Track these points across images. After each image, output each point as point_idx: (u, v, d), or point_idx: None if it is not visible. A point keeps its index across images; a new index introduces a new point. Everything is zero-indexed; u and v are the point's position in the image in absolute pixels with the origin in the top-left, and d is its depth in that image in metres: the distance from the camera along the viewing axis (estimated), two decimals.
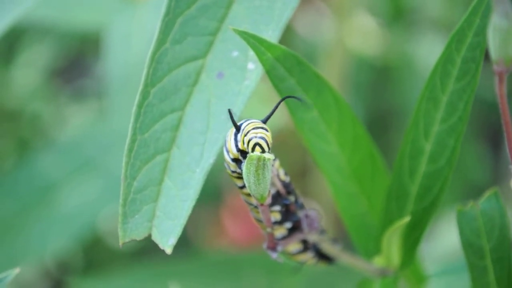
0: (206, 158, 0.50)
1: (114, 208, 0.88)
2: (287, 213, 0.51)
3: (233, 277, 0.86)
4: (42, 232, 0.87)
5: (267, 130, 0.45)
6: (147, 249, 1.02)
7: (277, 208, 0.51)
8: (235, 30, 0.49)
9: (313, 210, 0.53)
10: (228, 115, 0.46)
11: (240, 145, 0.46)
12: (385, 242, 0.53)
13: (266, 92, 0.93)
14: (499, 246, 0.50)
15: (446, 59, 0.50)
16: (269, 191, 0.47)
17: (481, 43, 0.49)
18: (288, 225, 0.52)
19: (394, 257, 0.54)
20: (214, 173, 0.97)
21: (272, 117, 0.47)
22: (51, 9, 0.92)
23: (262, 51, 0.49)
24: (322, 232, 0.54)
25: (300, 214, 0.52)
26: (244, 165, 0.45)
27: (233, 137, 0.46)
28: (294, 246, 0.54)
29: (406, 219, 0.51)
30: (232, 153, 0.47)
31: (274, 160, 0.48)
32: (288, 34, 1.06)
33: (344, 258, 0.55)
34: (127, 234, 0.49)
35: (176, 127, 0.50)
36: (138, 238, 0.49)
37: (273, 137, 0.46)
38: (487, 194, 0.51)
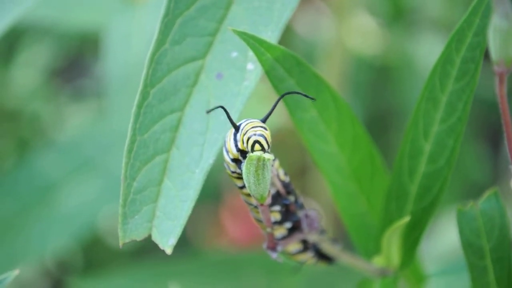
0: (205, 159, 0.50)
1: (113, 208, 0.88)
2: (287, 213, 0.52)
3: (233, 277, 0.86)
4: (42, 232, 0.87)
5: (266, 129, 0.45)
6: (146, 249, 1.02)
7: (277, 208, 0.51)
8: (235, 31, 0.49)
9: (313, 210, 0.53)
10: (226, 115, 0.46)
11: (239, 145, 0.46)
12: (384, 242, 0.53)
13: (266, 92, 0.93)
14: (499, 246, 0.50)
15: (445, 59, 0.50)
16: (269, 191, 0.47)
17: (481, 43, 0.49)
18: (288, 225, 0.52)
19: (394, 257, 0.54)
20: (213, 173, 0.97)
21: (271, 117, 0.47)
22: (51, 9, 0.92)
23: (261, 52, 0.49)
24: (322, 232, 0.54)
25: (300, 214, 0.52)
26: (244, 165, 0.45)
27: (232, 137, 0.47)
28: (294, 246, 0.54)
29: (406, 219, 0.51)
30: (232, 153, 0.47)
31: (273, 160, 0.48)
32: (287, 34, 1.06)
33: (344, 258, 0.55)
34: (127, 235, 0.49)
35: (176, 127, 0.50)
36: (138, 239, 0.49)
37: (272, 137, 0.46)
38: (487, 194, 0.51)
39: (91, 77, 1.19)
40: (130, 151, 0.50)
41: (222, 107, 0.46)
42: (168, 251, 0.49)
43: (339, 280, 0.84)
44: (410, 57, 1.07)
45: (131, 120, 0.50)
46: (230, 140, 0.47)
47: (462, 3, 1.08)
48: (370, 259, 0.55)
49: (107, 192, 0.89)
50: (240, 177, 0.48)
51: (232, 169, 0.48)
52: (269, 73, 0.50)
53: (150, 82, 0.50)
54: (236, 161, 0.47)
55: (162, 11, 0.50)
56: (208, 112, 0.49)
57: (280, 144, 1.03)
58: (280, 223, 0.51)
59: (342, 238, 0.79)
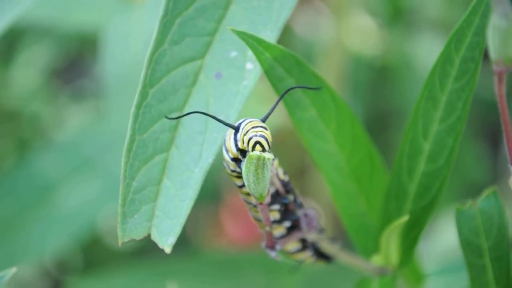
0: (204, 158, 0.50)
1: (113, 208, 0.88)
2: (286, 212, 0.52)
3: (232, 276, 0.86)
4: (42, 232, 0.87)
5: (266, 129, 0.45)
6: (146, 248, 1.02)
7: (276, 207, 0.51)
8: (234, 31, 0.49)
9: (312, 209, 0.53)
10: (226, 117, 0.46)
11: (239, 145, 0.46)
12: (383, 241, 0.53)
13: (265, 92, 0.93)
14: (497, 244, 0.50)
15: (445, 59, 0.50)
16: (268, 190, 0.47)
17: (480, 43, 0.49)
18: (287, 224, 0.52)
19: (392, 256, 0.54)
20: (213, 173, 0.97)
21: (270, 117, 0.47)
22: (50, 9, 0.93)
23: (260, 51, 0.49)
24: (320, 231, 0.54)
25: (299, 213, 0.52)
26: (243, 164, 0.45)
27: (232, 136, 0.47)
28: (293, 245, 0.54)
29: (405, 218, 0.51)
30: (232, 153, 0.47)
31: (273, 159, 0.48)
32: (286, 34, 1.06)
33: (343, 257, 0.55)
34: (126, 234, 0.49)
35: (175, 127, 0.50)
36: (137, 238, 0.49)
37: (272, 137, 0.46)
38: (486, 193, 0.51)
39: (90, 78, 1.19)
40: (129, 150, 0.50)
41: (220, 120, 0.46)
42: (167, 250, 0.49)
43: (338, 279, 0.84)
44: (409, 57, 1.07)
45: (130, 120, 0.50)
46: (230, 140, 0.47)
47: (462, 3, 1.08)
48: (369, 258, 0.55)
49: (107, 192, 0.89)
50: (239, 176, 0.48)
51: (232, 168, 0.48)
52: (268, 73, 0.50)
53: (149, 82, 0.50)
54: (236, 160, 0.47)
55: (160, 11, 0.51)
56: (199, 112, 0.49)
57: (280, 145, 1.03)
58: (279, 222, 0.52)
59: (341, 237, 0.79)
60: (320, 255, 0.55)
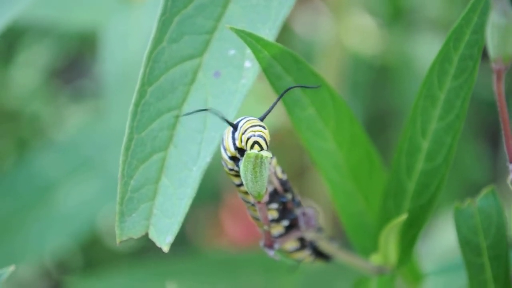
0: (203, 157, 0.50)
1: (112, 207, 0.88)
2: (284, 211, 0.52)
3: (231, 275, 0.86)
4: (41, 232, 0.87)
5: (264, 128, 0.45)
6: (146, 248, 1.02)
7: (274, 206, 0.51)
8: (232, 29, 0.49)
9: (310, 208, 0.53)
10: (225, 116, 0.46)
11: (238, 143, 0.46)
12: (382, 240, 0.53)
13: (263, 90, 0.93)
14: (496, 243, 0.50)
15: (443, 57, 0.50)
16: (267, 189, 0.47)
17: (479, 41, 0.49)
18: (285, 223, 0.52)
19: (391, 255, 0.54)
20: (212, 172, 0.97)
21: (268, 116, 0.47)
22: (50, 9, 0.93)
23: (259, 49, 0.49)
24: (319, 230, 0.54)
25: (297, 212, 0.52)
26: (241, 163, 0.45)
27: (230, 135, 0.46)
28: (291, 244, 0.54)
29: (403, 217, 0.51)
30: (230, 151, 0.47)
31: (271, 158, 0.48)
32: (285, 33, 1.06)
33: (341, 256, 0.55)
34: (124, 233, 0.49)
35: (173, 126, 0.50)
36: (135, 237, 0.49)
37: (270, 136, 0.46)
38: (485, 191, 0.51)
39: (90, 78, 1.19)
40: (127, 149, 0.50)
41: (222, 117, 0.46)
42: (165, 249, 0.49)
43: (336, 278, 0.84)
44: (408, 57, 1.07)
45: (129, 118, 0.50)
46: (228, 138, 0.47)
47: (461, 3, 1.08)
48: (367, 257, 0.55)
49: (106, 191, 0.89)
50: (237, 174, 0.48)
51: (230, 166, 0.48)
52: (267, 71, 0.50)
53: (148, 80, 0.50)
54: (234, 158, 0.47)
55: (159, 9, 0.50)
56: (198, 111, 0.49)
57: (279, 145, 1.03)
58: (277, 221, 0.51)
59: (340, 236, 0.79)
60: (319, 254, 0.55)
